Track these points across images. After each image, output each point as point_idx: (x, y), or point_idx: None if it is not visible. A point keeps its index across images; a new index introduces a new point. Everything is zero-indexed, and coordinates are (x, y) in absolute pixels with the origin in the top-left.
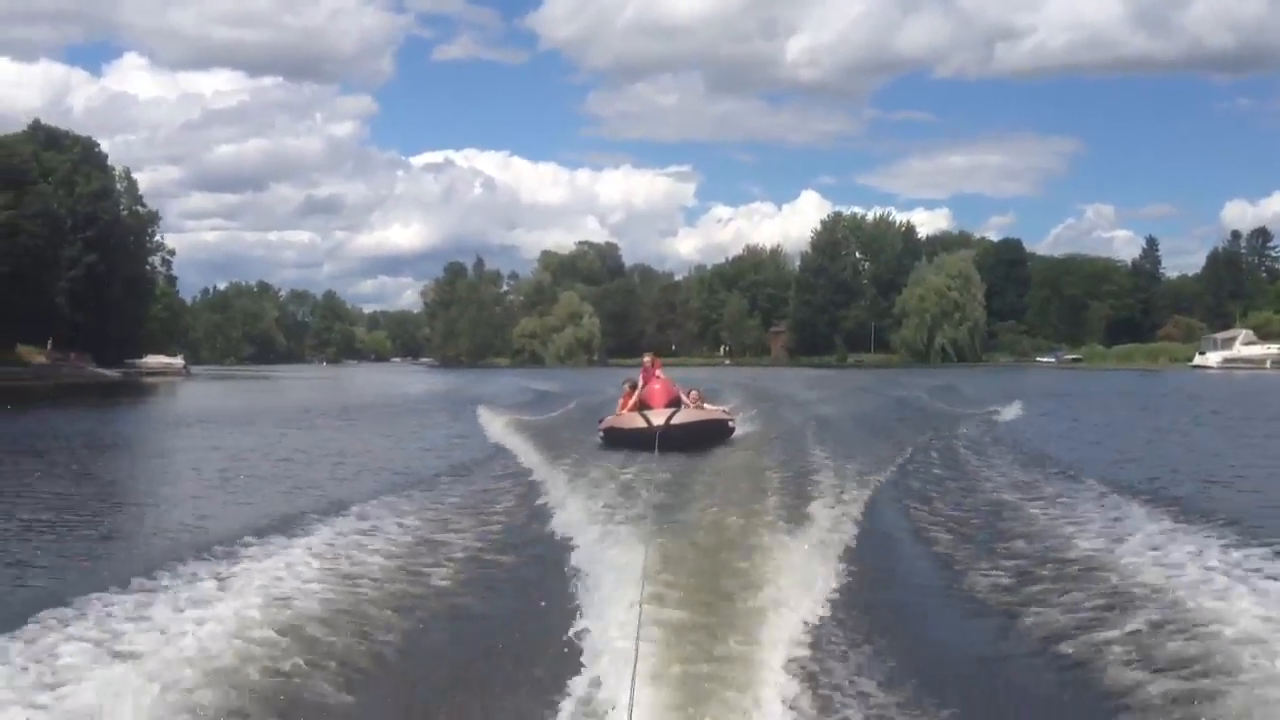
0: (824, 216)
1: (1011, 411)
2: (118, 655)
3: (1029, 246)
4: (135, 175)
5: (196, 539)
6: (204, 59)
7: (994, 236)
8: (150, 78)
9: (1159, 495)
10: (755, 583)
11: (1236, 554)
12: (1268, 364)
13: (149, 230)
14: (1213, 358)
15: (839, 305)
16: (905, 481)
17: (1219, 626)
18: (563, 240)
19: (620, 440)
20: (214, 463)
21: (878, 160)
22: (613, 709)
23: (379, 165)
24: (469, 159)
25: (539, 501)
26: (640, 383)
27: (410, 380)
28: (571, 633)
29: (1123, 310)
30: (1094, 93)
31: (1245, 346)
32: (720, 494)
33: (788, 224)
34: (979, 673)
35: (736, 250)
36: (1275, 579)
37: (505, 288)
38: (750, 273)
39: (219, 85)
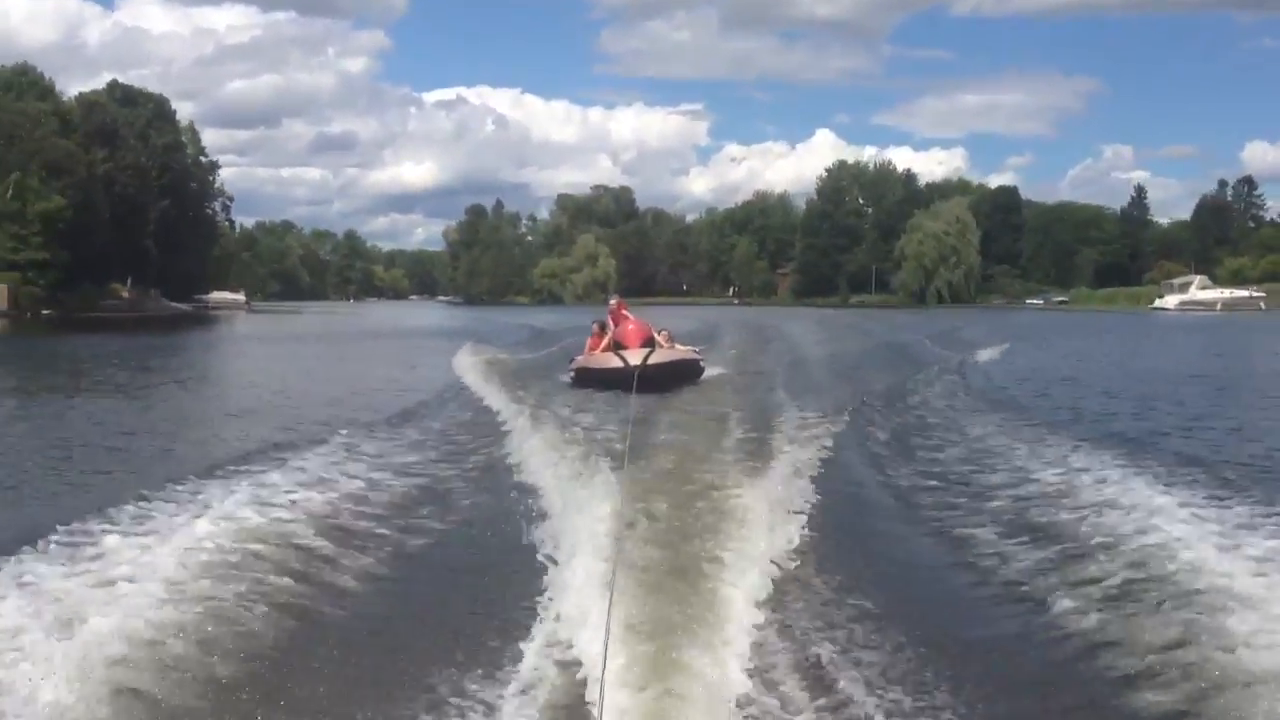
0: (832, 161)
1: (986, 354)
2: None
3: (1045, 186)
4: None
5: (190, 463)
6: None
7: (1010, 177)
8: (163, 12)
9: (1086, 427)
10: (724, 527)
11: (1105, 456)
12: (1218, 306)
13: (210, 177)
14: (1170, 301)
15: (842, 249)
16: (870, 422)
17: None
18: (574, 179)
19: (594, 380)
20: (245, 383)
21: (894, 99)
22: (584, 658)
23: (391, 102)
24: (481, 96)
25: (507, 442)
26: (611, 324)
27: (439, 315)
28: (544, 576)
29: (1111, 255)
30: (1114, 31)
31: (1200, 291)
32: (691, 436)
33: (801, 164)
34: (942, 612)
35: (749, 190)
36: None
37: (524, 229)
38: (759, 216)
39: (232, 20)
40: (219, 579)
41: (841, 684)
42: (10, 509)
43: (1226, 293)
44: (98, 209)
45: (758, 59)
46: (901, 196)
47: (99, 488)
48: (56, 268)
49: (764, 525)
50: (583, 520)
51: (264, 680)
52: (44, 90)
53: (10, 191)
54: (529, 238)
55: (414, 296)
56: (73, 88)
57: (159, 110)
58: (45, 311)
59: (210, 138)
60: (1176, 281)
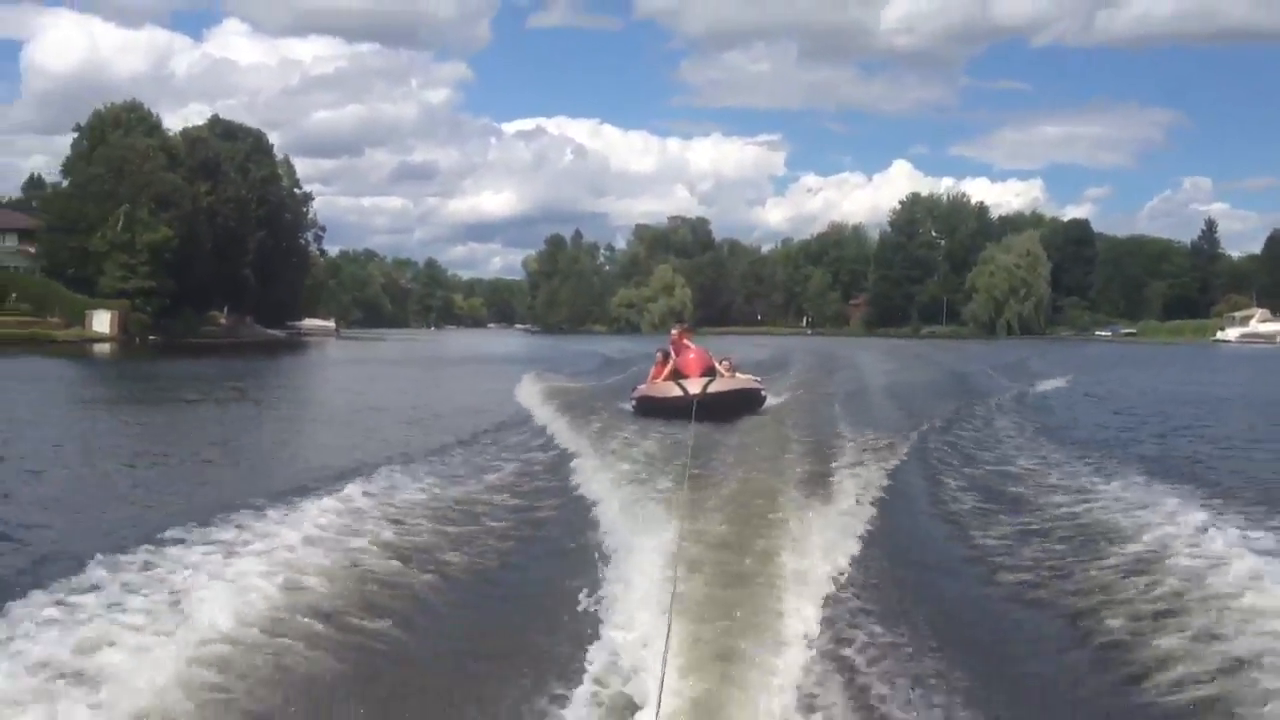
0: (908, 192)
1: (1047, 385)
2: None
3: (1123, 218)
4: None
5: (261, 485)
6: (303, 25)
7: (1088, 209)
8: (250, 44)
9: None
10: (782, 554)
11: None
12: (1277, 339)
13: (304, 209)
14: (1232, 333)
15: (914, 280)
16: (932, 452)
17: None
18: (652, 208)
19: (654, 409)
20: (339, 403)
21: (971, 130)
22: (640, 684)
23: (472, 132)
24: (560, 126)
25: (569, 468)
26: (673, 353)
27: (518, 342)
28: (600, 604)
29: (1179, 288)
30: (1196, 63)
31: (1260, 324)
32: (750, 464)
33: (878, 194)
34: (998, 644)
35: (825, 220)
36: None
37: (601, 259)
38: (833, 248)
39: (318, 51)
40: (280, 596)
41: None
42: (102, 513)
43: None
44: (201, 240)
45: (835, 90)
46: (974, 229)
47: (180, 501)
48: (162, 295)
49: (819, 554)
50: (641, 547)
51: (321, 698)
52: (151, 126)
53: (121, 223)
54: (606, 267)
55: (492, 325)
56: (164, 118)
57: (257, 144)
58: (151, 337)
59: (295, 167)
60: (1238, 315)
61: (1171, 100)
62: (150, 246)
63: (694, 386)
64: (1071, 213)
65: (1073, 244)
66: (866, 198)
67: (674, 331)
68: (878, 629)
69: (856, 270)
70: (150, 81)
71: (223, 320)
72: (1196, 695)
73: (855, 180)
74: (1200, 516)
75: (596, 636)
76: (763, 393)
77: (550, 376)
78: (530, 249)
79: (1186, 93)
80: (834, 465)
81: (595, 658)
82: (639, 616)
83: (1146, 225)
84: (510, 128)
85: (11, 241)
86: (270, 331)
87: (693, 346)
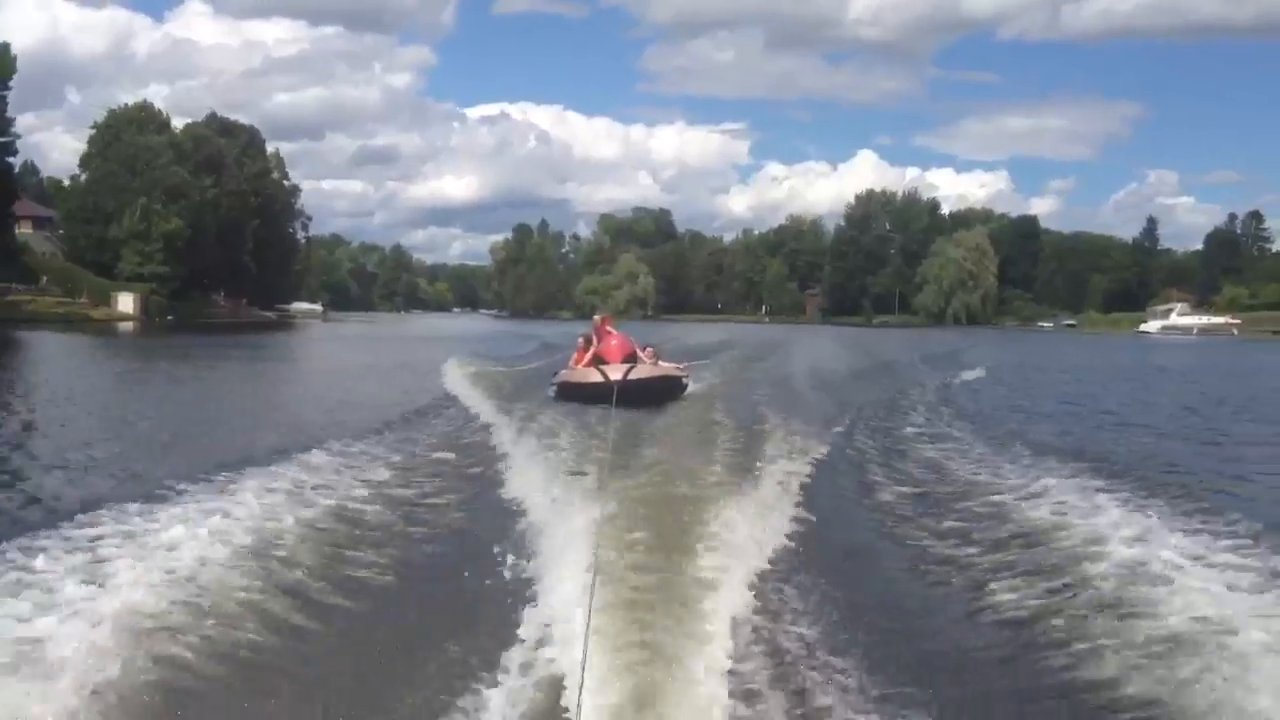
0: (872, 182)
1: (972, 373)
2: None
3: (1087, 211)
4: (196, 121)
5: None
6: (266, 7)
7: (1052, 201)
8: (213, 25)
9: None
10: (704, 541)
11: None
12: (1194, 331)
13: (291, 200)
14: (1153, 325)
15: (868, 272)
16: (852, 438)
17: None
18: (615, 195)
19: (575, 394)
20: (300, 383)
21: (937, 121)
22: (564, 669)
23: (435, 117)
24: (524, 112)
25: (491, 454)
26: (595, 339)
27: (485, 325)
28: (523, 591)
29: (1119, 283)
30: (1161, 56)
31: (1179, 317)
32: (671, 451)
33: (843, 184)
34: (921, 628)
35: (789, 209)
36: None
37: (566, 247)
38: (791, 240)
39: (280, 34)
40: (189, 581)
41: (820, 700)
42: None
43: (1204, 319)
44: (207, 229)
45: (801, 79)
46: (927, 224)
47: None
48: (174, 280)
49: (740, 540)
50: (560, 534)
51: (234, 687)
52: (161, 124)
53: (138, 214)
54: (571, 255)
55: (456, 309)
56: (120, 98)
57: (251, 140)
58: (169, 317)
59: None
60: (1160, 308)
61: (1135, 94)
62: (164, 235)
63: (615, 373)
64: (1035, 205)
65: (1021, 239)
66: (831, 187)
67: (597, 318)
68: (801, 620)
69: (813, 262)
70: (109, 62)
71: (222, 303)
72: (1100, 675)
73: (820, 169)
74: (1086, 490)
75: (515, 630)
76: (685, 380)
77: (480, 360)
78: (493, 234)
79: (1151, 87)
80: (753, 453)
81: (515, 650)
82: (559, 609)
83: (1111, 218)
84: (474, 113)
85: (27, 228)
86: (264, 314)
87: (615, 333)
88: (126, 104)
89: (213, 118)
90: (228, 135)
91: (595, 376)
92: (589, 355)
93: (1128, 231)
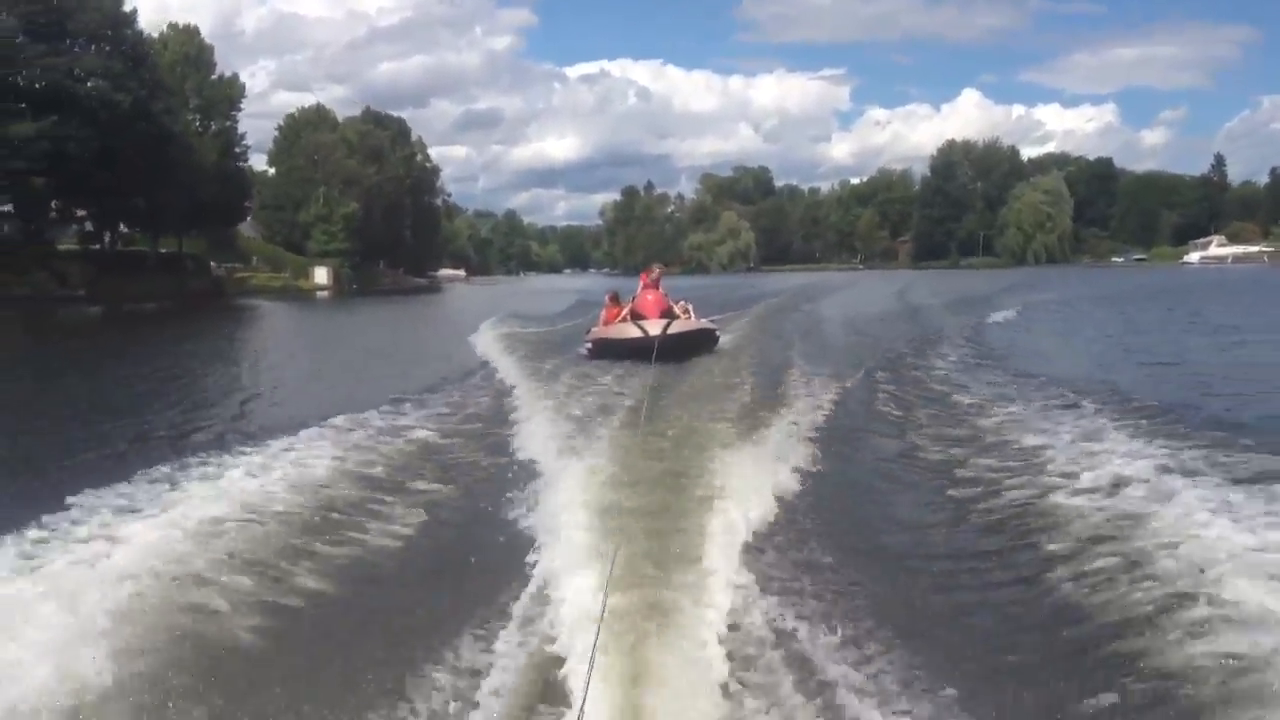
0: (978, 121)
1: (1006, 312)
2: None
3: (1200, 141)
4: (304, 94)
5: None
6: None
7: (1162, 133)
8: None
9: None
10: (716, 500)
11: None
12: (1229, 260)
13: (434, 180)
14: (1194, 257)
15: (953, 218)
16: (880, 386)
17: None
18: (716, 148)
19: (612, 350)
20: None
21: (1042, 56)
22: (575, 628)
23: (535, 78)
24: (623, 69)
25: (511, 408)
26: (638, 290)
27: (604, 282)
28: (537, 551)
29: (1190, 218)
30: None
31: (1217, 248)
32: (697, 406)
33: (946, 124)
34: (926, 585)
35: (893, 154)
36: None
37: (671, 206)
38: (883, 190)
39: (383, 3)
40: (191, 554)
41: (825, 665)
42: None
43: (1239, 249)
44: (375, 210)
45: (901, 20)
46: (1007, 170)
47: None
48: (353, 255)
49: (755, 497)
50: (576, 490)
51: (237, 664)
52: (333, 123)
53: (322, 200)
54: (676, 214)
55: (567, 270)
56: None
57: (400, 129)
58: (353, 286)
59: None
60: (1200, 241)
61: (1246, 16)
62: (343, 218)
63: (654, 328)
64: (1146, 137)
65: (1097, 180)
66: (934, 128)
67: (656, 270)
68: (812, 578)
69: (904, 210)
70: (220, 39)
71: (386, 273)
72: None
73: (923, 111)
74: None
75: (529, 581)
76: (717, 333)
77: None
78: (595, 193)
79: (1260, 6)
80: (782, 406)
81: (529, 604)
82: (572, 574)
83: (1224, 147)
84: (573, 72)
85: None
86: (418, 280)
87: (651, 289)
88: (303, 107)
89: (367, 113)
90: (380, 126)
91: (634, 332)
92: (624, 311)
93: (1240, 162)
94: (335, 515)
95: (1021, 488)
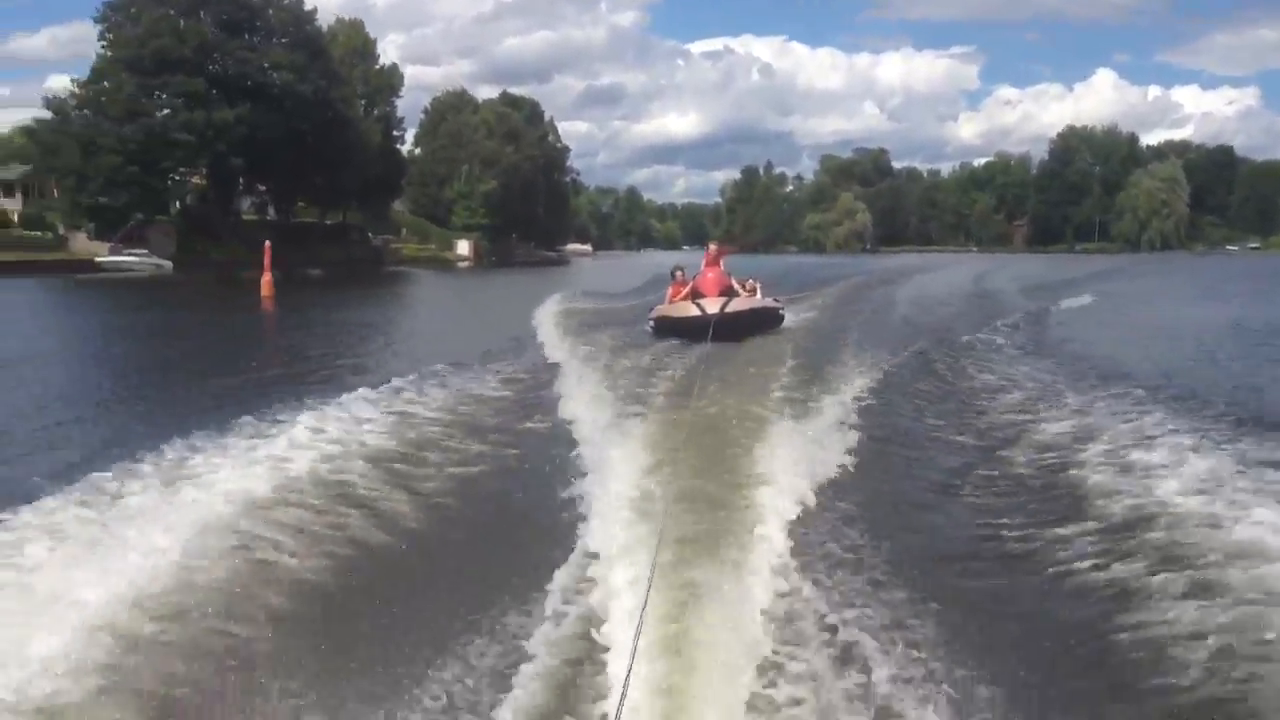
0: (1113, 101)
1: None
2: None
3: None
4: (430, 68)
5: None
6: None
7: None
8: None
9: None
10: (761, 472)
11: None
12: None
13: (565, 158)
14: None
15: (1070, 203)
16: (933, 370)
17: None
18: (839, 126)
19: (672, 329)
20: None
21: (1181, 36)
22: (618, 613)
23: (659, 54)
24: (746, 45)
25: (566, 381)
26: (703, 267)
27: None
28: (581, 522)
29: None
30: None
31: None
32: (751, 387)
33: (1079, 105)
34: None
35: (1022, 134)
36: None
37: (790, 186)
38: (1000, 174)
39: None
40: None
41: (866, 653)
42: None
43: None
44: (511, 187)
45: None
46: (1125, 155)
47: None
48: (491, 230)
49: (800, 480)
50: (623, 467)
51: (309, 603)
52: (475, 105)
53: (464, 178)
54: (795, 194)
55: (685, 247)
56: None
57: (533, 110)
58: (492, 258)
59: (485, 93)
60: None
61: None
62: (483, 195)
63: (711, 306)
64: None
65: (1216, 168)
66: (1066, 109)
67: (712, 246)
68: (853, 568)
69: (1020, 194)
70: (351, 14)
71: (518, 246)
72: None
73: (1054, 91)
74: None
75: (575, 555)
76: (781, 311)
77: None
78: (715, 170)
79: None
80: (834, 388)
81: (576, 580)
82: (622, 542)
83: None
84: (697, 48)
85: None
86: (548, 253)
87: (716, 266)
88: (447, 91)
89: (504, 95)
90: (515, 107)
91: (692, 311)
92: (686, 290)
93: None
94: (378, 480)
95: (1069, 482)
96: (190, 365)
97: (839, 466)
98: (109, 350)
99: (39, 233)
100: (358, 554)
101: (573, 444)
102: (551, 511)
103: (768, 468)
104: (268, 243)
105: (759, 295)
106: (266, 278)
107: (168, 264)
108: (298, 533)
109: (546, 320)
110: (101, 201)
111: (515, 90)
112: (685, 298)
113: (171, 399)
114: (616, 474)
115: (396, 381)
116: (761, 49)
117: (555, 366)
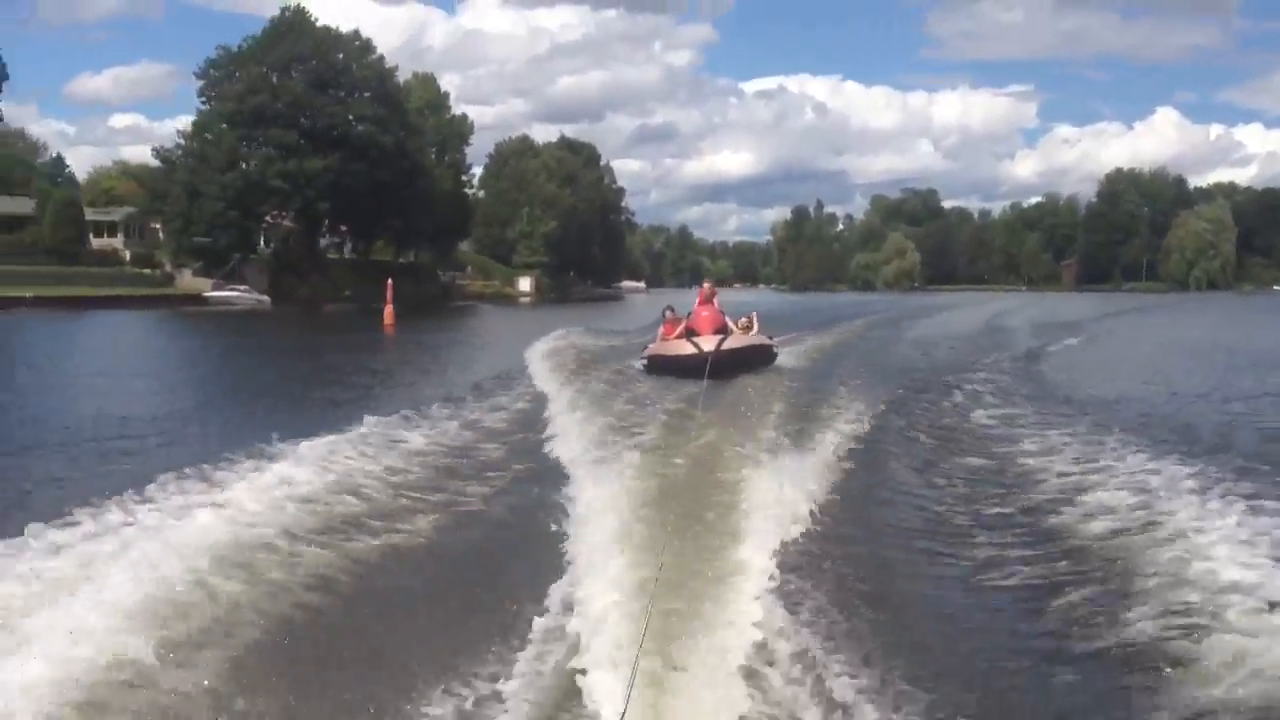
0: (1175, 140)
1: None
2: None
3: None
4: (485, 108)
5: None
6: None
7: None
8: (500, 14)
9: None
10: (740, 515)
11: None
12: None
13: (620, 199)
14: None
15: (1118, 243)
16: (923, 407)
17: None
18: (892, 165)
19: (666, 367)
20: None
21: (1243, 74)
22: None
23: (712, 92)
24: (801, 84)
25: (560, 417)
26: (694, 307)
27: (774, 299)
28: (573, 556)
29: None
30: None
31: None
32: (742, 420)
33: (1139, 144)
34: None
35: (1080, 173)
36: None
37: (840, 226)
38: (1049, 215)
39: (565, 19)
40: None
41: (850, 692)
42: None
43: None
44: (570, 228)
45: (1093, 36)
46: (1173, 197)
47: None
48: (550, 267)
49: (790, 515)
50: (618, 501)
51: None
52: (536, 150)
53: (525, 220)
54: (845, 233)
55: (736, 285)
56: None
57: (590, 155)
58: (551, 295)
59: (539, 132)
60: None
61: None
62: (544, 235)
63: (707, 344)
64: None
65: (1267, 210)
66: (1126, 147)
67: (706, 285)
68: (834, 603)
69: (1068, 234)
70: (407, 55)
71: (576, 283)
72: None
73: (1114, 130)
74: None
75: (568, 591)
76: (774, 350)
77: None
78: (767, 208)
79: None
80: (823, 425)
81: (567, 620)
82: (617, 576)
83: None
84: (750, 87)
85: None
86: (604, 290)
87: (707, 306)
88: (510, 137)
89: (562, 140)
90: (572, 151)
91: (688, 349)
92: (680, 328)
93: None
94: (369, 512)
95: (1055, 516)
96: (337, 379)
97: (827, 503)
98: (307, 367)
99: (148, 270)
100: (335, 591)
101: (565, 480)
102: (540, 548)
103: (762, 503)
104: (390, 280)
105: (755, 329)
106: (389, 309)
107: (265, 298)
108: (289, 564)
109: (549, 353)
110: (203, 242)
111: (568, 128)
112: (680, 336)
113: (297, 404)
114: (608, 513)
115: (396, 416)
116: (816, 87)
117: (550, 402)
